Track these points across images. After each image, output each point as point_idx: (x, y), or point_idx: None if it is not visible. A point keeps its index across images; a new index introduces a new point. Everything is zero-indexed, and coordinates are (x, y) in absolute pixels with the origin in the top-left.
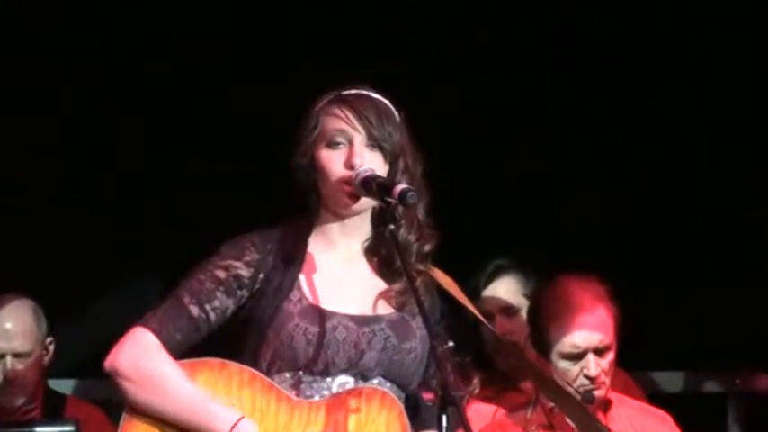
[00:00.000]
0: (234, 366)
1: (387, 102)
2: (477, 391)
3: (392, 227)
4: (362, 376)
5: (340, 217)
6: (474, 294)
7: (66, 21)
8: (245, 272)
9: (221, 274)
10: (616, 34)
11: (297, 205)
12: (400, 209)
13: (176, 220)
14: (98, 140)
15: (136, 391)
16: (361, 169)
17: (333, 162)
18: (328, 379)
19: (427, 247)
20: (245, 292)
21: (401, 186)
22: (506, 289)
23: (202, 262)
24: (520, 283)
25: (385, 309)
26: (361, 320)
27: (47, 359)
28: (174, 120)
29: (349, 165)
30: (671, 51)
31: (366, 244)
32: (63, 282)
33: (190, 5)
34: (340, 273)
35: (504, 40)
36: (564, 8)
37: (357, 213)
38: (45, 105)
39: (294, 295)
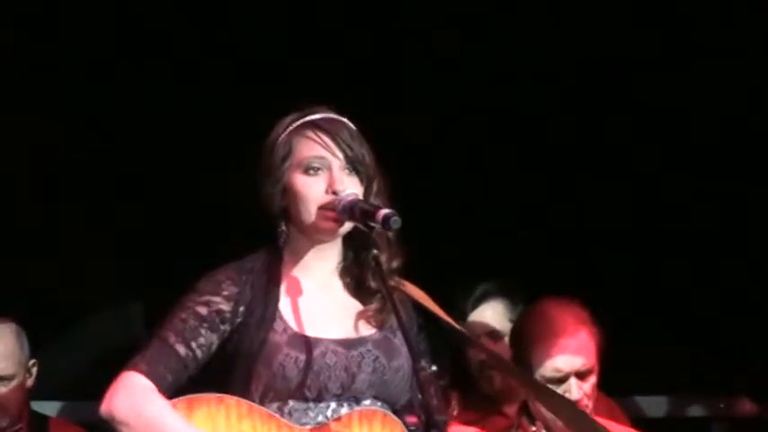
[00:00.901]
0: (231, 399)
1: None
2: (456, 412)
3: (375, 252)
4: (355, 399)
5: (314, 242)
6: (460, 318)
7: None
8: (225, 306)
9: (202, 310)
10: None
11: (264, 233)
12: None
13: (159, 245)
14: (76, 162)
15: None
16: (344, 194)
17: (311, 188)
18: (321, 404)
19: (396, 264)
20: (227, 327)
21: (384, 211)
22: (493, 313)
23: (180, 300)
24: (506, 308)
25: (367, 329)
26: (348, 344)
27: (30, 381)
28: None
29: (331, 191)
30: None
31: (339, 266)
32: (46, 304)
33: None
34: (317, 298)
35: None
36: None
37: (336, 238)
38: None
39: (278, 325)
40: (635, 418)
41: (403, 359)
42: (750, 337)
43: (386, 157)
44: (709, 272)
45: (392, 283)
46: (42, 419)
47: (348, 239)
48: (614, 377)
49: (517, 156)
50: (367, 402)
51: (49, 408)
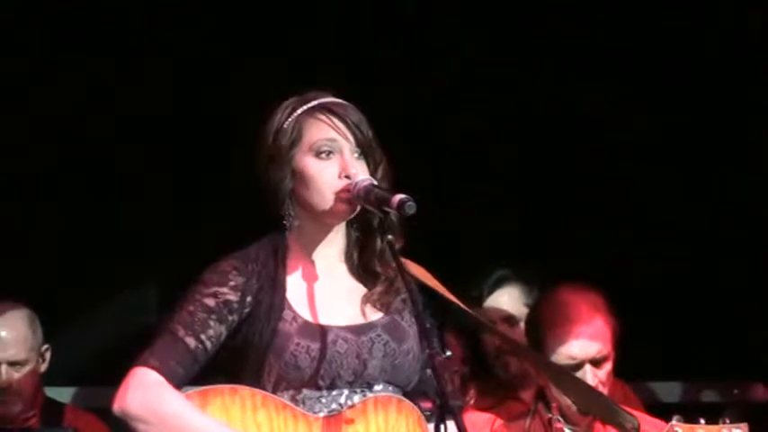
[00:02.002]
0: (245, 390)
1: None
2: (472, 401)
3: (390, 237)
4: (368, 385)
5: (321, 226)
6: (476, 303)
7: None
8: (233, 296)
9: (210, 302)
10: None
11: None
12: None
13: (176, 227)
14: (99, 146)
15: (153, 431)
16: (359, 179)
17: (324, 172)
18: (334, 392)
19: (399, 245)
20: (235, 317)
21: (400, 196)
22: (509, 299)
23: (187, 293)
24: (522, 294)
25: (374, 314)
26: (357, 330)
27: (43, 367)
28: (176, 128)
29: (345, 174)
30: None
31: (343, 251)
32: (60, 289)
33: None
34: (324, 284)
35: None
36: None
37: (346, 220)
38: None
39: (287, 314)
40: (649, 404)
41: (412, 341)
42: (766, 323)
43: (398, 140)
44: (725, 257)
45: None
46: (57, 406)
47: (351, 223)
48: (629, 362)
49: (544, 138)
50: (379, 388)
51: (64, 394)
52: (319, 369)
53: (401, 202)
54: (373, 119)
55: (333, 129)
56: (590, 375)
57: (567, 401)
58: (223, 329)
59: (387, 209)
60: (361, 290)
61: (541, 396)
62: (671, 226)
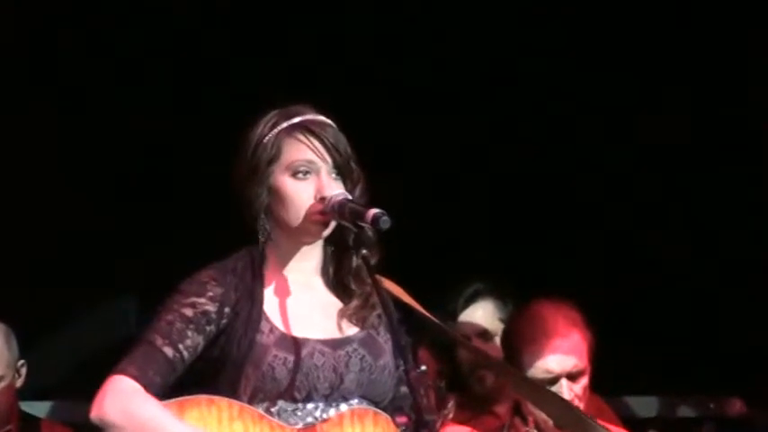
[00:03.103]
0: (222, 401)
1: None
2: (451, 415)
3: (365, 252)
4: (343, 399)
5: (296, 243)
6: (451, 318)
7: None
8: (210, 307)
9: (188, 312)
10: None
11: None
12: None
13: (154, 240)
14: (78, 158)
15: None
16: (334, 193)
17: (300, 192)
18: (310, 405)
19: (374, 261)
20: (212, 328)
21: (374, 211)
22: (483, 313)
23: (165, 303)
24: (497, 308)
25: (350, 329)
26: (334, 344)
27: (19, 382)
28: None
29: (320, 196)
30: None
31: (319, 265)
32: (35, 302)
33: None
34: (301, 298)
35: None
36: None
37: (319, 240)
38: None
39: (264, 326)
40: (625, 419)
41: (387, 357)
42: (742, 338)
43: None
44: (702, 272)
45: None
46: (33, 421)
47: (327, 238)
48: (605, 377)
49: (516, 154)
50: (354, 402)
51: (39, 408)
52: (296, 381)
53: (375, 217)
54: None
55: (311, 149)
56: (566, 390)
57: (543, 416)
58: (201, 340)
59: (361, 223)
60: (337, 304)
61: (517, 410)
62: (646, 240)
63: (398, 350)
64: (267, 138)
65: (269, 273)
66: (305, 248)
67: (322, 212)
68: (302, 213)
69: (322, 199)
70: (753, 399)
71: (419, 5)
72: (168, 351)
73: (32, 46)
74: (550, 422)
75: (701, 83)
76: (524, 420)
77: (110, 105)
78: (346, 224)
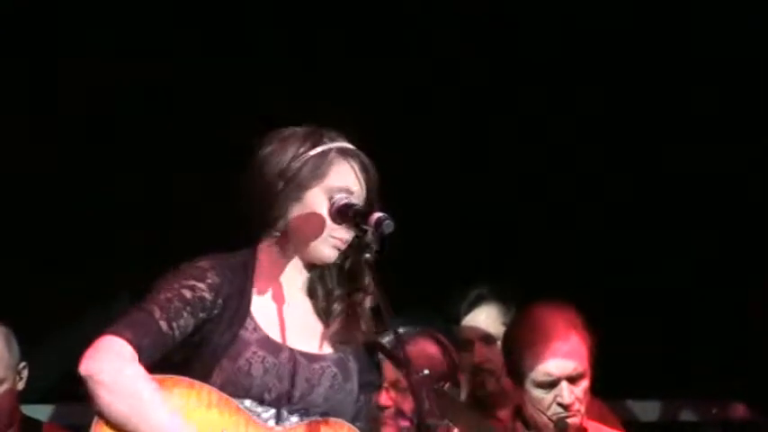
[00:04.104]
0: (203, 387)
1: None
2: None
3: (368, 255)
4: (306, 411)
5: (297, 259)
6: (454, 321)
7: None
8: (207, 294)
9: (188, 293)
10: None
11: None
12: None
13: (150, 244)
14: (73, 164)
15: (114, 402)
16: (337, 197)
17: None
18: (274, 409)
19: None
20: (204, 315)
21: (378, 214)
22: (486, 318)
23: (163, 281)
24: (500, 313)
25: (326, 349)
26: (310, 357)
27: (20, 385)
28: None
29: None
30: None
31: (306, 284)
32: (36, 305)
33: None
34: (286, 309)
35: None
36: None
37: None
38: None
39: (249, 324)
40: (627, 423)
41: (355, 383)
42: (743, 343)
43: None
44: (703, 276)
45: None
46: (35, 424)
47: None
48: (607, 381)
49: (515, 157)
50: (317, 418)
51: (41, 411)
52: (269, 381)
53: (379, 221)
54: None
55: (355, 180)
56: (566, 392)
57: (543, 419)
58: (191, 323)
59: (365, 226)
60: (318, 326)
61: (519, 414)
62: (647, 245)
63: (361, 385)
64: (312, 153)
65: (259, 278)
66: (299, 265)
67: (341, 241)
68: (324, 235)
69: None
70: (755, 403)
71: None
72: (164, 325)
73: None
74: (551, 426)
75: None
76: (526, 424)
77: None
78: (349, 226)
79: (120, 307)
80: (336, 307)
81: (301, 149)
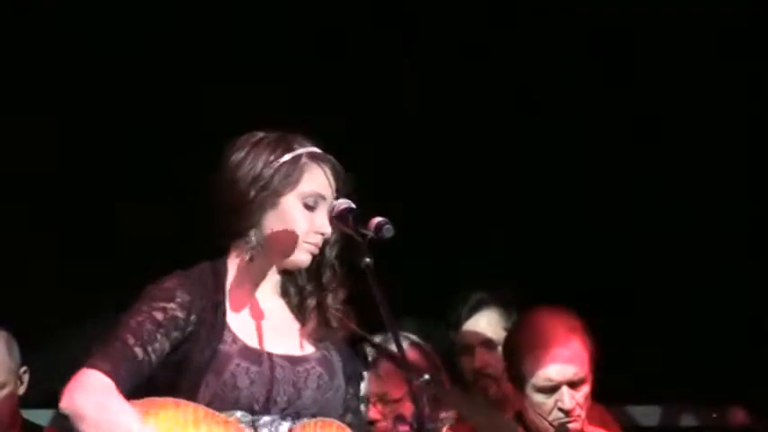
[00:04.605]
0: (188, 405)
1: None
2: (451, 423)
3: (368, 260)
4: (297, 415)
5: (270, 264)
6: (455, 326)
7: None
8: (179, 313)
9: (159, 315)
10: None
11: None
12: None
13: (153, 247)
14: (70, 172)
15: None
16: (338, 201)
17: (306, 221)
18: (266, 417)
19: (342, 297)
20: (179, 334)
21: (377, 219)
22: (487, 322)
23: (134, 306)
24: (501, 317)
25: (308, 348)
26: (294, 360)
27: (21, 389)
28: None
29: (320, 232)
30: None
31: (278, 285)
32: (37, 310)
33: None
34: (262, 314)
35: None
36: None
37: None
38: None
39: (227, 336)
40: (628, 428)
41: (341, 379)
42: (743, 347)
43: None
44: (703, 280)
45: (338, 314)
46: (36, 429)
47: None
48: (607, 386)
49: (515, 162)
50: (306, 419)
51: (42, 416)
52: (256, 391)
53: (379, 225)
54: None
55: (327, 184)
56: (567, 397)
57: (545, 424)
58: (167, 345)
59: (364, 231)
60: (296, 324)
61: (520, 419)
62: (648, 248)
63: (346, 378)
64: (284, 159)
65: (232, 287)
66: (272, 270)
67: (316, 245)
68: (299, 241)
69: (321, 234)
70: (755, 408)
71: None
72: (139, 352)
73: None
74: (552, 430)
75: None
76: (527, 429)
77: None
78: (349, 231)
79: (122, 311)
80: (310, 303)
81: (272, 156)
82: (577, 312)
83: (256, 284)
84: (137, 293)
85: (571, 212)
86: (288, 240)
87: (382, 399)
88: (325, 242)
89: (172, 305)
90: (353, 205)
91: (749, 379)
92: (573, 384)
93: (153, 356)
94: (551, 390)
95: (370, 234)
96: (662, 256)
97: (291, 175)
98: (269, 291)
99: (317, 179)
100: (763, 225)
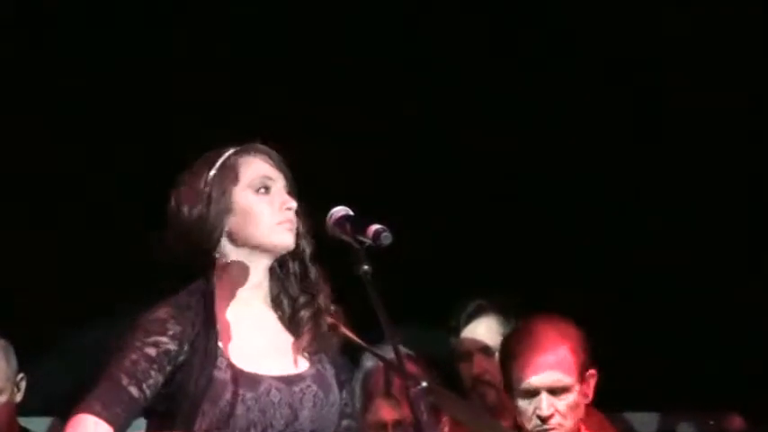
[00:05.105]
0: None
1: None
2: (447, 429)
3: (366, 267)
4: None
5: (252, 267)
6: (453, 334)
7: None
8: (172, 346)
9: (152, 351)
10: None
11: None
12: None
13: (149, 256)
14: (67, 170)
15: None
16: (335, 209)
17: (264, 205)
18: None
19: (329, 301)
20: (171, 366)
21: (375, 226)
22: (486, 329)
23: (126, 341)
24: (500, 324)
25: (303, 365)
26: (288, 380)
27: (18, 397)
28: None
29: (286, 207)
30: None
31: (269, 298)
32: (35, 316)
33: None
34: (254, 334)
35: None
36: None
37: (288, 250)
38: None
39: (221, 362)
40: None
41: (335, 392)
42: (741, 354)
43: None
44: (701, 288)
45: (328, 319)
46: None
47: (274, 273)
48: (606, 393)
49: (515, 168)
50: None
51: (39, 424)
52: (253, 417)
53: (377, 233)
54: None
55: (269, 167)
56: (545, 404)
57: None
58: (161, 378)
59: (362, 239)
60: (289, 339)
61: (518, 427)
62: (648, 257)
63: (339, 385)
64: (218, 165)
65: (221, 309)
66: (255, 279)
67: (290, 221)
68: (270, 225)
69: (288, 209)
70: (752, 415)
71: None
72: (134, 390)
73: None
74: None
75: None
76: None
77: None
78: (347, 239)
79: (121, 320)
80: (303, 314)
81: (206, 172)
82: (576, 319)
83: (245, 301)
84: (137, 303)
85: (570, 220)
86: (260, 230)
87: (400, 425)
88: (298, 234)
89: (164, 339)
90: (351, 212)
91: (746, 386)
92: (554, 392)
93: (148, 392)
94: (531, 396)
95: (368, 241)
96: (660, 263)
97: (228, 175)
98: (261, 303)
99: (254, 165)
100: (762, 233)
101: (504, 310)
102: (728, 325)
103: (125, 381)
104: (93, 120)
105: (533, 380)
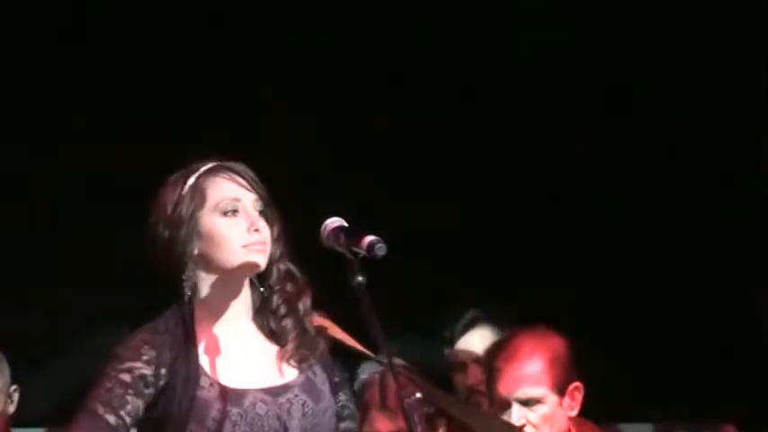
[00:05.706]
0: None
1: None
2: None
3: (360, 279)
4: None
5: (227, 287)
6: (448, 344)
7: None
8: (147, 371)
9: (126, 377)
10: None
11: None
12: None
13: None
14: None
15: None
16: (329, 220)
17: (232, 228)
18: None
19: (308, 301)
20: (151, 390)
21: (370, 238)
22: (480, 340)
23: (102, 370)
24: (494, 335)
25: (289, 374)
26: (275, 391)
27: (11, 408)
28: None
29: (254, 229)
30: None
31: (250, 311)
32: (29, 326)
33: None
34: (236, 348)
35: None
36: None
37: (256, 272)
38: None
39: (204, 381)
40: None
41: (327, 398)
42: (735, 365)
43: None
44: (695, 298)
45: (316, 321)
46: None
47: (254, 284)
48: (599, 404)
49: (513, 183)
50: None
51: None
52: None
53: (371, 244)
54: None
55: (236, 185)
56: (515, 415)
57: None
58: (140, 403)
59: (357, 250)
60: (273, 349)
61: None
62: (641, 264)
63: (333, 388)
64: (186, 189)
65: (201, 328)
66: (234, 294)
67: (261, 243)
68: (238, 248)
69: (256, 231)
70: (746, 425)
71: None
72: (111, 418)
73: None
74: None
75: None
76: None
77: None
78: (342, 251)
79: (118, 332)
80: (286, 324)
81: (174, 195)
82: (569, 330)
83: (224, 318)
84: (130, 316)
85: (565, 232)
86: (228, 254)
87: None
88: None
89: (138, 364)
90: (345, 223)
91: (740, 396)
92: (525, 403)
93: (128, 419)
94: (503, 406)
95: (363, 253)
96: (654, 272)
97: (194, 198)
98: (243, 318)
99: (221, 187)
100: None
101: (498, 321)
102: (723, 335)
103: (101, 410)
104: (93, 120)
105: (502, 390)
